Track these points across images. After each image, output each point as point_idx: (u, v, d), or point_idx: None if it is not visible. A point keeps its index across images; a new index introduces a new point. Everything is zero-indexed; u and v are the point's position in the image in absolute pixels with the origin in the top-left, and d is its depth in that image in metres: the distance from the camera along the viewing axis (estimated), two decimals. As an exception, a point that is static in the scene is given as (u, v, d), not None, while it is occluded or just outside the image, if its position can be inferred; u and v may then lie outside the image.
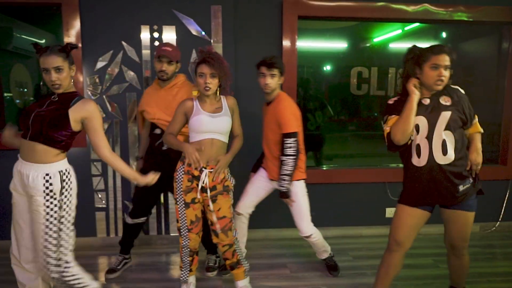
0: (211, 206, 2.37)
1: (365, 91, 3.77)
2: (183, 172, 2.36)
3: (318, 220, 3.12)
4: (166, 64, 2.67)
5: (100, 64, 3.24)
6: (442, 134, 1.98)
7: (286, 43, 3.39)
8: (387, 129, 2.07)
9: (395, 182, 3.65)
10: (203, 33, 3.30)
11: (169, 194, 3.37)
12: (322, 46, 4.22)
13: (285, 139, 2.51)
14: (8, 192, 2.04)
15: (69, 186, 1.98)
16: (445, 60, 1.96)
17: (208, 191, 2.33)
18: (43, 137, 1.89)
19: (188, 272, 2.54)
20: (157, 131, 2.75)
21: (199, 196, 2.36)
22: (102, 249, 3.33)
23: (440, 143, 1.99)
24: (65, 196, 1.96)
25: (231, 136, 2.48)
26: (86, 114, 1.97)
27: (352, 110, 4.36)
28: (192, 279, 2.57)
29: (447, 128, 1.98)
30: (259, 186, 2.83)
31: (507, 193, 3.80)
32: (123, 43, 3.24)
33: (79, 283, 1.99)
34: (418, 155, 2.03)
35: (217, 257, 3.02)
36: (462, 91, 2.10)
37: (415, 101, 1.99)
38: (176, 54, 2.71)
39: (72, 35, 3.16)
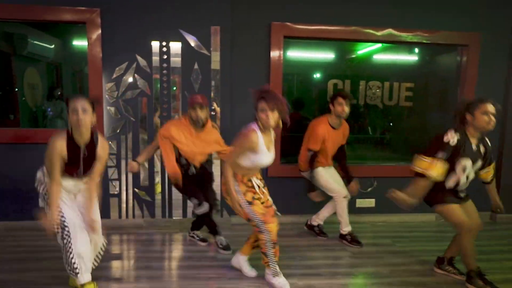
0: (263, 198, 2.92)
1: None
2: (238, 184, 2.84)
3: (299, 208, 3.91)
4: (201, 111, 3.21)
5: (117, 73, 4.01)
6: (471, 173, 2.88)
7: (273, 58, 4.18)
8: (429, 168, 2.75)
9: (364, 177, 4.46)
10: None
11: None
12: (310, 57, 4.81)
13: None
14: (32, 179, 2.70)
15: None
16: (492, 108, 2.73)
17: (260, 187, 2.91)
18: None
19: (274, 263, 2.88)
20: (183, 161, 3.38)
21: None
22: (114, 230, 4.01)
23: (466, 177, 2.88)
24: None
25: None
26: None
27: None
28: (278, 270, 2.91)
29: (475, 171, 2.88)
30: None
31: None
32: (137, 55, 4.01)
33: None
34: (454, 184, 2.89)
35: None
36: (489, 142, 2.95)
37: None
38: (206, 101, 3.29)
39: (94, 47, 3.92)
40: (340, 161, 3.92)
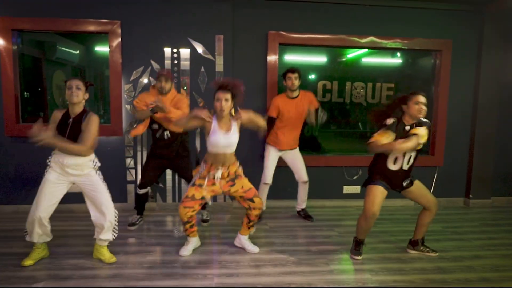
0: (234, 187, 3.03)
1: (328, 98, 4.65)
2: (204, 168, 2.99)
3: (293, 194, 4.02)
4: (166, 82, 3.52)
5: (134, 76, 4.14)
6: (411, 153, 2.93)
7: (270, 62, 4.30)
8: (374, 137, 2.87)
9: (350, 167, 4.57)
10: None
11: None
12: (303, 60, 4.83)
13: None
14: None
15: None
16: (423, 99, 2.84)
17: (221, 181, 3.00)
18: None
19: (185, 233, 3.14)
20: (155, 126, 3.61)
21: (205, 185, 2.95)
22: (132, 212, 4.09)
23: (408, 157, 2.95)
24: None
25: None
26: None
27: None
28: (191, 240, 3.16)
29: (414, 149, 2.92)
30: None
31: (435, 176, 4.74)
32: (151, 60, 4.14)
33: None
34: (394, 163, 2.96)
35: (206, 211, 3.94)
36: (428, 122, 2.98)
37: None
38: (171, 75, 3.59)
39: (115, 54, 4.06)
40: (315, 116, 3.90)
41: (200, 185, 3.00)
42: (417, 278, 2.81)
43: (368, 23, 4.40)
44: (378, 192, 2.99)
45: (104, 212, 2.87)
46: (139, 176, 4.25)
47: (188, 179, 3.78)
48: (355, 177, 4.62)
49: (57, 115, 2.79)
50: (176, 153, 3.70)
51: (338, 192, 4.63)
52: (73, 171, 2.80)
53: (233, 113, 2.99)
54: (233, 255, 3.14)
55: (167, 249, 3.23)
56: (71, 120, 2.77)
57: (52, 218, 3.24)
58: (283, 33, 4.25)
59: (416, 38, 4.45)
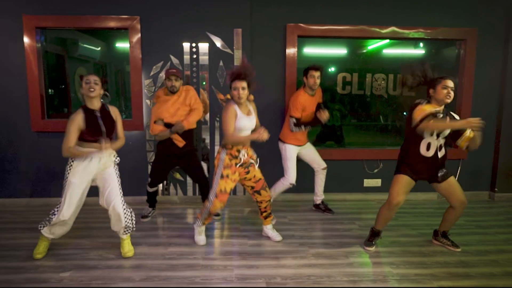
0: (248, 175, 3.12)
1: (348, 91, 4.60)
2: (225, 154, 3.04)
3: (310, 186, 4.01)
4: (175, 81, 3.56)
5: (154, 71, 4.22)
6: (441, 140, 2.90)
7: (289, 55, 4.28)
8: (425, 111, 2.71)
9: (370, 160, 4.53)
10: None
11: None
12: (322, 52, 4.82)
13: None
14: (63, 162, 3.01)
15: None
16: (451, 83, 2.79)
17: (241, 165, 3.07)
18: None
19: (201, 224, 3.24)
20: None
21: (232, 173, 3.03)
22: None
23: (439, 145, 2.91)
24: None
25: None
26: None
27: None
28: (202, 229, 3.28)
29: (445, 137, 2.90)
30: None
31: (458, 169, 4.65)
32: (170, 55, 4.20)
33: None
34: (428, 149, 2.91)
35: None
36: (457, 117, 2.96)
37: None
38: (180, 73, 3.63)
39: (135, 49, 4.14)
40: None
41: (228, 176, 3.06)
42: (439, 271, 2.79)
43: (389, 13, 4.32)
44: (404, 181, 2.97)
45: (113, 206, 2.89)
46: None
47: (201, 180, 3.85)
48: (376, 171, 4.57)
49: (78, 118, 2.78)
50: (184, 153, 3.73)
51: (359, 186, 4.60)
52: (95, 165, 2.88)
53: (250, 99, 3.12)
54: (253, 247, 3.19)
55: (188, 241, 3.31)
56: (98, 113, 2.87)
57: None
58: (301, 25, 4.22)
59: (440, 27, 4.34)
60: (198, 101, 3.73)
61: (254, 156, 3.22)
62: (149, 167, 4.32)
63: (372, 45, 4.81)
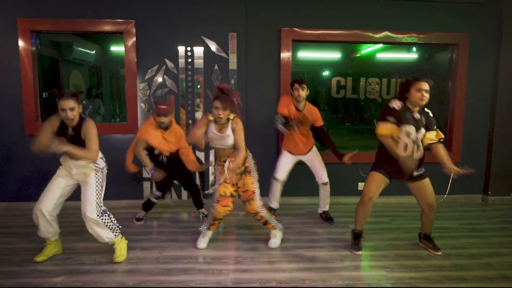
0: (239, 183, 3.11)
1: (342, 95, 4.62)
2: (218, 165, 3.19)
3: (308, 190, 4.00)
4: (165, 118, 3.52)
5: (149, 74, 4.21)
6: (419, 141, 2.89)
7: (283, 59, 4.30)
8: (380, 128, 2.82)
9: (364, 163, 4.52)
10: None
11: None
12: (317, 57, 4.88)
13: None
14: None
15: None
16: (426, 86, 2.78)
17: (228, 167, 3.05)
18: None
19: (205, 228, 3.23)
20: (156, 151, 3.64)
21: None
22: None
23: (417, 146, 2.89)
24: None
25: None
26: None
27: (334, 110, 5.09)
28: (208, 233, 3.26)
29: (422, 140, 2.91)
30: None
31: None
32: (165, 59, 4.19)
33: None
34: (405, 150, 2.88)
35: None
36: (430, 114, 2.95)
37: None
38: (170, 108, 3.63)
39: (130, 53, 4.13)
40: (326, 142, 3.86)
41: (225, 181, 3.09)
42: (434, 275, 2.79)
43: (382, 18, 4.35)
44: (377, 178, 3.00)
45: (84, 211, 2.86)
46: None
47: (191, 187, 3.93)
48: (370, 174, 4.57)
49: (55, 121, 2.79)
50: (175, 164, 3.76)
51: (353, 189, 4.60)
52: (75, 171, 2.88)
53: (231, 117, 3.03)
54: (248, 251, 3.17)
55: (182, 245, 3.28)
56: (71, 130, 2.80)
57: (71, 215, 3.34)
58: (296, 29, 4.25)
59: (432, 32, 4.38)
60: (184, 140, 3.76)
61: (249, 163, 3.18)
62: (144, 170, 4.30)
63: (366, 50, 4.85)
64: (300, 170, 4.07)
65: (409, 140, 2.86)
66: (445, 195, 4.64)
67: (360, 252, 3.12)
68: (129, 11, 4.10)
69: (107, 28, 4.09)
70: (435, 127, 2.98)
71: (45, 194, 2.89)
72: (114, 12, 4.08)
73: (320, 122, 3.80)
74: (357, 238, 3.19)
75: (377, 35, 4.33)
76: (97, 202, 2.88)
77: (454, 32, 4.41)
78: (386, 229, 3.71)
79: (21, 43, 4.02)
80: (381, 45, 4.61)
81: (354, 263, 2.99)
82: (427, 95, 2.79)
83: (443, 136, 3.02)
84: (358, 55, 4.84)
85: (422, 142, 2.94)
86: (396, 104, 2.85)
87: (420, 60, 4.80)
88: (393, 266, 2.92)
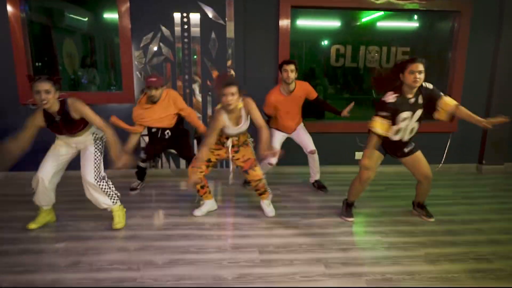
0: (237, 154, 3.15)
1: (342, 63, 4.55)
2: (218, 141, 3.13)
3: (305, 160, 4.02)
4: (155, 91, 3.43)
5: (144, 42, 4.12)
6: (414, 124, 2.88)
7: (282, 26, 4.20)
8: (375, 127, 2.82)
9: (361, 133, 4.54)
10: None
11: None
12: (316, 25, 4.73)
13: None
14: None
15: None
16: (419, 67, 2.70)
17: (230, 148, 3.15)
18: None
19: (199, 196, 3.31)
20: (154, 129, 3.66)
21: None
22: (150, 177, 4.18)
23: (410, 128, 2.89)
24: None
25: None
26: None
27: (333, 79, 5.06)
28: (203, 203, 3.32)
29: (417, 120, 2.88)
30: None
31: (448, 142, 4.71)
32: (161, 26, 4.09)
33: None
34: (396, 133, 2.89)
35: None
36: (430, 86, 2.86)
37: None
38: (160, 81, 3.49)
39: (124, 19, 4.01)
40: (324, 107, 3.90)
41: (212, 149, 3.12)
42: (427, 239, 2.88)
43: (384, -17, 4.23)
44: (375, 156, 3.01)
45: (83, 175, 2.91)
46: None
47: (189, 158, 3.84)
48: (367, 144, 4.60)
49: (38, 116, 2.75)
50: (175, 134, 3.76)
51: (351, 158, 4.64)
52: (78, 146, 2.95)
53: (240, 105, 2.98)
54: (246, 218, 3.24)
55: (182, 212, 3.34)
56: (58, 117, 2.75)
57: (72, 184, 3.37)
58: (295, -6, 4.13)
59: (434, -1, 4.29)
60: (182, 102, 3.69)
61: (248, 140, 3.24)
62: (142, 140, 4.30)
63: (366, 17, 4.75)
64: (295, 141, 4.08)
65: (403, 124, 2.87)
66: (441, 164, 4.77)
67: (351, 219, 3.19)
68: (122, -26, 3.94)
69: (100, -8, 3.96)
70: (440, 93, 2.88)
71: (45, 162, 2.92)
72: (107, -24, 3.94)
73: (314, 94, 3.77)
74: (349, 206, 3.26)
75: (379, 1, 4.22)
76: (95, 167, 2.92)
77: (457, -2, 4.31)
78: (382, 197, 3.79)
79: (10, 8, 3.89)
80: (382, 13, 4.52)
81: (349, 229, 3.06)
82: (420, 76, 2.72)
83: (454, 102, 2.89)
84: (358, 23, 4.74)
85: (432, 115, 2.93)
86: (391, 97, 2.81)
87: (421, 29, 4.71)
88: (388, 232, 3.01)
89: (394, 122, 2.86)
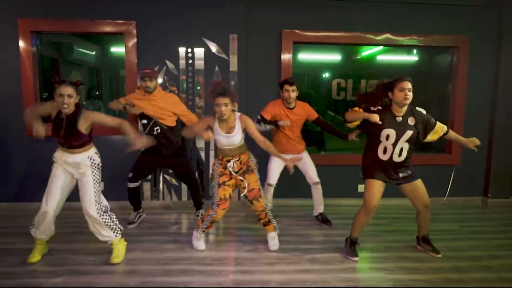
0: (242, 183, 3.14)
1: (343, 97, 4.64)
2: (219, 164, 3.17)
3: (307, 192, 3.99)
4: (150, 81, 3.55)
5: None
6: (403, 144, 2.89)
7: (284, 60, 4.31)
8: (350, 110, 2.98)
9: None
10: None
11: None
12: (318, 58, 4.89)
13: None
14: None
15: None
16: (408, 85, 2.82)
17: (235, 172, 3.14)
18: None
19: (202, 231, 3.21)
20: (144, 121, 3.69)
21: (228, 179, 3.12)
22: (147, 210, 4.23)
23: (399, 149, 2.90)
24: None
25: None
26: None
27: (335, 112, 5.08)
28: (202, 235, 3.25)
29: (407, 141, 2.89)
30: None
31: (452, 175, 4.69)
32: (166, 60, 4.21)
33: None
34: (384, 153, 2.93)
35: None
36: (424, 112, 2.96)
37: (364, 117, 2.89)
38: (155, 73, 3.61)
39: (131, 54, 4.14)
40: (326, 129, 3.88)
41: (224, 183, 3.13)
42: (434, 277, 2.80)
43: (383, 20, 4.37)
44: (377, 184, 2.98)
45: (85, 209, 2.89)
46: (157, 174, 4.37)
47: (188, 181, 3.91)
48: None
49: (50, 107, 2.83)
50: (172, 153, 3.75)
51: (353, 191, 4.61)
52: (71, 169, 2.90)
53: (232, 116, 3.07)
54: (248, 253, 3.18)
55: (183, 246, 3.30)
56: (64, 116, 2.78)
57: (71, 216, 3.35)
58: (297, 31, 4.26)
59: (433, 35, 4.40)
60: (183, 106, 3.81)
61: (251, 162, 3.23)
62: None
63: (367, 51, 4.87)
64: (299, 171, 4.07)
65: (388, 143, 2.89)
66: (445, 197, 4.72)
67: (356, 258, 3.09)
68: (130, 12, 4.11)
69: (108, 29, 4.11)
70: (434, 121, 3.00)
71: (48, 195, 2.88)
72: (115, 13, 4.09)
73: (314, 115, 3.80)
74: (353, 244, 3.15)
75: (378, 37, 4.35)
76: (95, 200, 2.90)
77: (454, 34, 4.43)
78: (386, 232, 3.72)
79: (21, 43, 4.03)
80: (381, 47, 4.64)
81: (353, 265, 2.99)
82: (410, 94, 2.82)
83: (445, 128, 3.04)
84: (358, 57, 4.86)
85: (416, 141, 2.96)
86: (376, 108, 2.92)
87: (420, 63, 4.82)
88: (393, 268, 2.94)
89: (378, 139, 2.91)
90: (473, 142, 3.10)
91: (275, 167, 3.79)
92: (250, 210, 4.29)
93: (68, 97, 2.68)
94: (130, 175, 3.75)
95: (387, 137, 2.88)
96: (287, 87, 3.60)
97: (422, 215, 3.13)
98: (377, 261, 3.07)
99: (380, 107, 2.93)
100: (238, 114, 3.13)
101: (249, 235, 3.57)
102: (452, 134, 3.13)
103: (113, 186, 4.19)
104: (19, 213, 4.13)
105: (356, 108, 2.99)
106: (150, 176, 4.25)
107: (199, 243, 3.25)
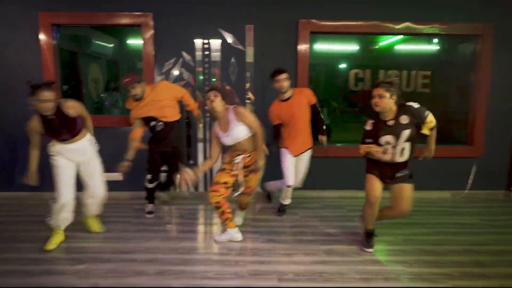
0: (246, 178, 3.23)
1: (360, 87, 4.56)
2: (228, 155, 3.21)
3: (324, 184, 3.98)
4: (133, 89, 3.47)
5: (166, 67, 4.25)
6: (403, 144, 2.85)
7: (300, 51, 4.26)
8: (362, 149, 2.96)
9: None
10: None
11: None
12: (335, 49, 4.80)
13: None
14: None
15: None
16: (378, 91, 2.77)
17: (241, 169, 3.17)
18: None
19: (223, 224, 3.26)
20: (153, 122, 3.67)
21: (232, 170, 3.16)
22: (166, 201, 4.34)
23: (400, 149, 2.86)
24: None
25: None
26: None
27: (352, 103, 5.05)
28: (232, 224, 3.23)
29: (408, 140, 2.84)
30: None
31: (474, 168, 4.57)
32: (182, 52, 4.23)
33: None
34: (384, 155, 2.89)
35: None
36: (415, 105, 2.87)
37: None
38: (135, 78, 3.48)
39: (148, 46, 4.17)
40: (315, 118, 3.81)
41: (223, 170, 3.18)
42: (454, 271, 2.76)
43: (403, 8, 4.26)
44: (375, 178, 3.00)
45: (95, 193, 3.11)
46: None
47: (173, 168, 3.93)
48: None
49: (35, 123, 2.88)
50: (172, 148, 3.78)
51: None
52: (77, 156, 3.05)
53: (221, 109, 3.08)
54: (265, 243, 3.20)
55: (200, 236, 3.35)
56: (53, 115, 2.85)
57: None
58: (314, 21, 4.20)
59: (455, 23, 4.27)
60: (180, 90, 3.79)
61: (258, 164, 3.18)
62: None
63: (385, 41, 4.78)
64: (318, 165, 4.06)
65: (389, 146, 2.88)
66: (466, 191, 4.63)
67: (371, 250, 3.08)
68: (147, 4, 4.13)
69: (126, 21, 4.14)
70: (426, 113, 2.85)
71: (62, 186, 3.00)
72: (132, 5, 4.12)
73: (313, 100, 3.74)
74: (368, 236, 3.14)
75: (398, 26, 4.24)
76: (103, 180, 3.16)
77: (478, 22, 4.28)
78: (405, 224, 3.67)
79: (42, 36, 4.11)
80: (400, 36, 4.54)
81: (371, 258, 2.98)
82: (379, 100, 2.76)
83: (434, 123, 2.89)
84: (376, 47, 4.77)
85: (416, 137, 2.89)
86: (368, 125, 2.95)
87: (441, 52, 4.69)
88: (412, 261, 2.91)
89: (380, 145, 2.91)
90: (429, 155, 3.10)
91: (290, 166, 3.73)
92: (266, 202, 4.32)
93: (49, 101, 2.76)
94: (149, 176, 3.77)
95: (388, 143, 2.87)
96: (276, 77, 3.57)
97: (392, 212, 3.04)
98: (395, 254, 3.04)
99: (372, 121, 2.93)
100: (231, 107, 3.11)
101: (266, 226, 3.59)
102: (433, 135, 2.99)
103: (128, 176, 4.25)
104: (37, 202, 4.25)
105: (362, 151, 2.99)
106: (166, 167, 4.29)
107: (219, 234, 3.29)
